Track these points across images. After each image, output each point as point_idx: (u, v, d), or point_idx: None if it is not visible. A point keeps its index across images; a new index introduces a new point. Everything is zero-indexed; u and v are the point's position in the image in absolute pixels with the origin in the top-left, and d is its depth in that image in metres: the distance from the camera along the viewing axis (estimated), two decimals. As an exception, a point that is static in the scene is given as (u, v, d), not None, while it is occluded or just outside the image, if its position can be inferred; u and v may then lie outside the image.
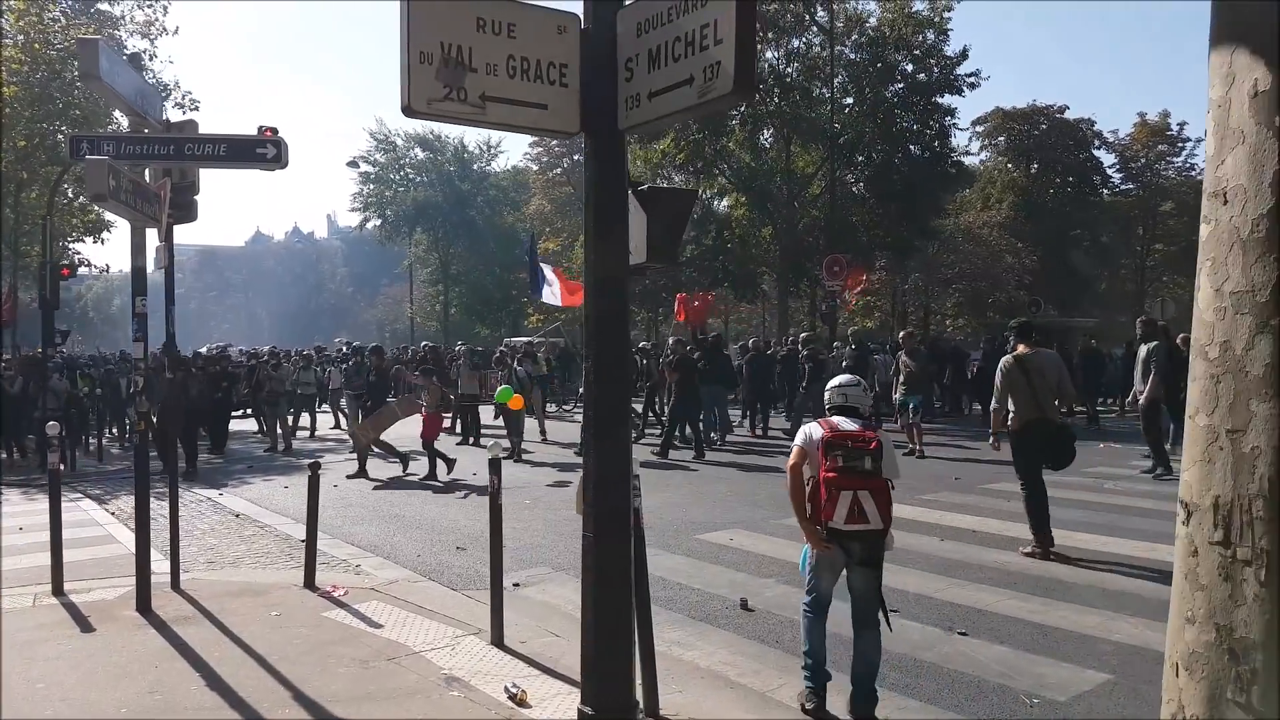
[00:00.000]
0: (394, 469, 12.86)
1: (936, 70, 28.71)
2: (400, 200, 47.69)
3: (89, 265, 27.43)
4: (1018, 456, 7.58)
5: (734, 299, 36.82)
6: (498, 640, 5.43)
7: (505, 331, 37.38)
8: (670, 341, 17.03)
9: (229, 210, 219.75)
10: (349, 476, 12.35)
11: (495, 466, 5.60)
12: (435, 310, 51.62)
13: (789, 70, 29.66)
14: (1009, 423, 7.57)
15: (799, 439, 4.43)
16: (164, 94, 24.53)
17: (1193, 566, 2.05)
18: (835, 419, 4.43)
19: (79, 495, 11.28)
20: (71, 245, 25.73)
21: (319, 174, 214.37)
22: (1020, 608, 6.03)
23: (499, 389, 14.47)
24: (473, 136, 58.57)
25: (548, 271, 19.70)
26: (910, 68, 29.05)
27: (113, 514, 10.03)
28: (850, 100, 29.74)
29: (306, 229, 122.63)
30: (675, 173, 31.83)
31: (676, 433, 14.60)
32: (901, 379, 13.81)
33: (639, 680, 4.16)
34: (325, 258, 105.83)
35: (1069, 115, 41.44)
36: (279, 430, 16.63)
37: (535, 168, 48.72)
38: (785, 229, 29.59)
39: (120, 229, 28.06)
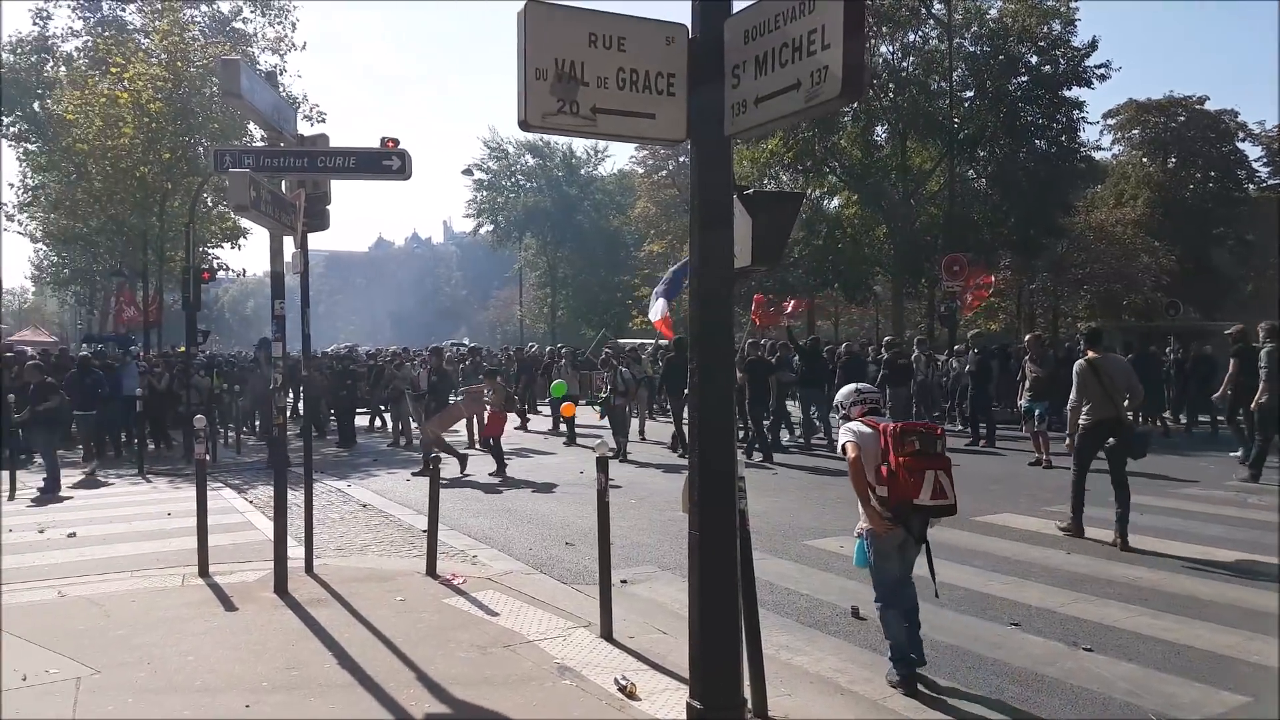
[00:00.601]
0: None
1: (1063, 62, 27.53)
2: (511, 206, 48.94)
3: (226, 269, 29.28)
4: (1080, 444, 8.32)
5: (844, 301, 36.23)
6: (606, 634, 5.57)
7: (609, 333, 37.80)
8: (746, 344, 17.02)
9: (354, 217, 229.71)
10: (413, 474, 12.87)
11: (603, 465, 5.75)
12: (543, 312, 52.70)
13: (904, 64, 29.04)
14: (1083, 420, 8.25)
15: (849, 436, 4.90)
16: (294, 107, 25.96)
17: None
18: (870, 417, 5.03)
19: (220, 484, 12.07)
20: (211, 251, 27.45)
21: (437, 181, 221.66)
22: (1151, 625, 5.78)
23: (554, 383, 14.77)
24: (580, 142, 59.50)
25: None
26: (1035, 59, 27.94)
27: (250, 502, 10.70)
28: (970, 94, 28.85)
29: (425, 234, 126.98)
30: (783, 172, 31.57)
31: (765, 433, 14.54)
32: (1027, 385, 13.36)
33: (747, 679, 4.24)
34: (441, 262, 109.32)
35: (1209, 106, 38.79)
36: (400, 426, 17.38)
37: (640, 171, 49.18)
38: (900, 228, 28.91)
39: (255, 236, 29.78)
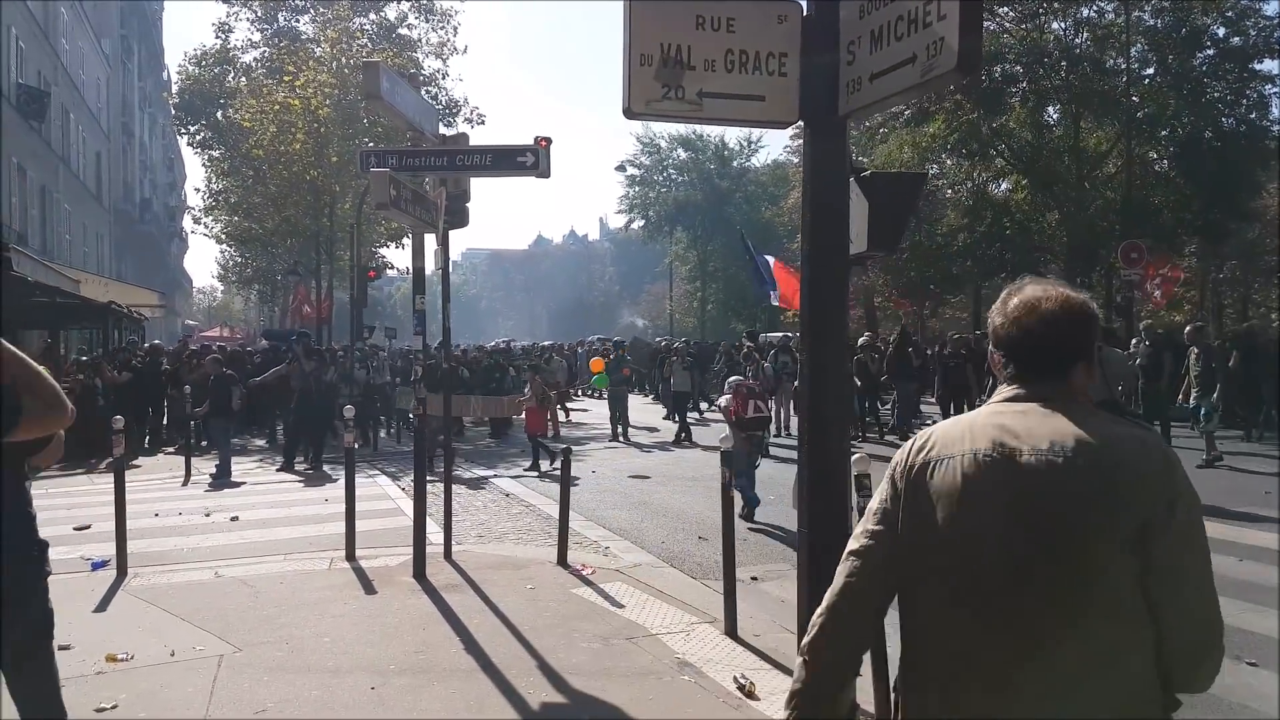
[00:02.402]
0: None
1: (1253, 33, 24.98)
2: (662, 200, 49.19)
3: (393, 268, 30.86)
4: None
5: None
6: (730, 630, 5.48)
7: (761, 327, 37.34)
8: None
9: (516, 216, 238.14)
10: (549, 466, 12.98)
11: (727, 459, 5.66)
12: (693, 307, 52.75)
13: (1078, 41, 27.20)
14: None
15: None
16: (455, 110, 27.05)
17: None
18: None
19: (377, 472, 12.74)
20: (377, 250, 28.99)
21: (595, 179, 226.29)
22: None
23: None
24: (734, 134, 59.17)
25: (772, 265, 18.85)
26: (1222, 31, 25.52)
27: (403, 489, 11.20)
28: (1150, 70, 26.69)
29: (581, 232, 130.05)
30: (947, 156, 30.24)
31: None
32: (1193, 379, 12.24)
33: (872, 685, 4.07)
34: (596, 258, 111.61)
35: None
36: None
37: (795, 161, 48.28)
38: (1073, 213, 27.06)
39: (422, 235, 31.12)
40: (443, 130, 7.46)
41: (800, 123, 3.43)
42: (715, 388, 18.30)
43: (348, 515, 7.43)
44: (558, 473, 11.66)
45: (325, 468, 13.10)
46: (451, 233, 7.09)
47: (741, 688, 4.63)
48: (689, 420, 16.69)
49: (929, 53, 2.84)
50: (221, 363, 13.51)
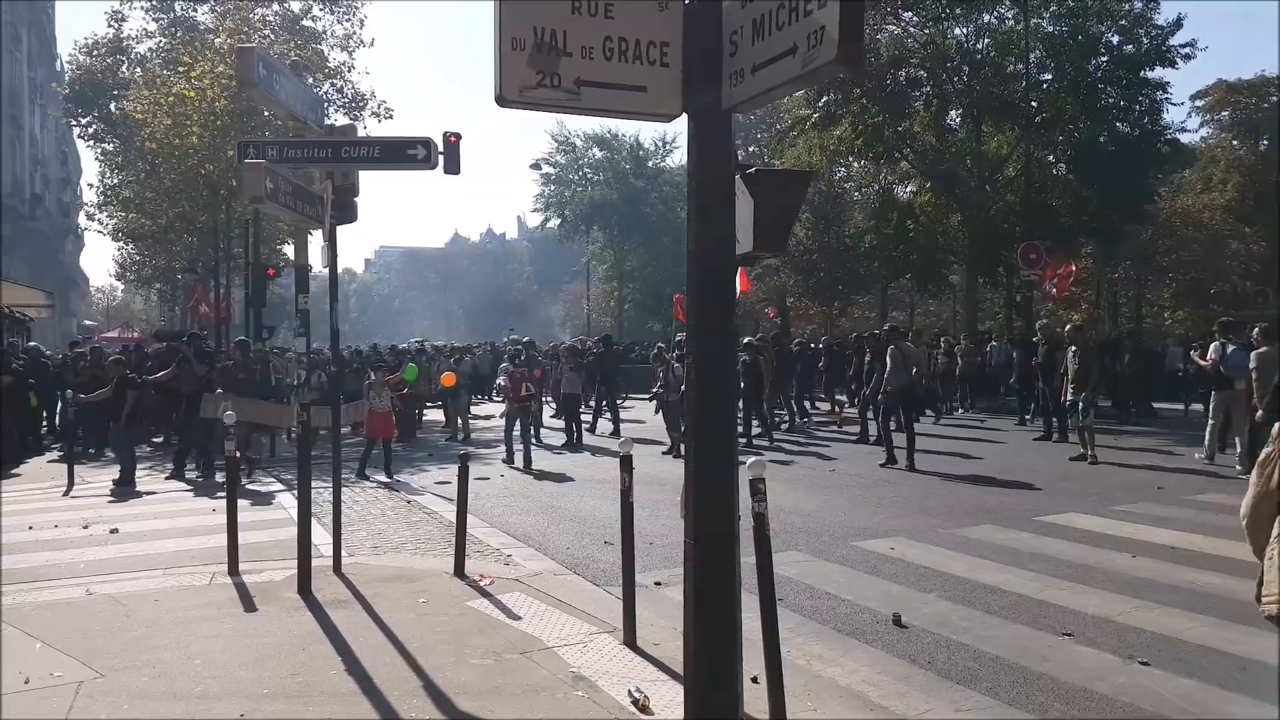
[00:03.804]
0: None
1: (1146, 41, 26.12)
2: (578, 200, 48.96)
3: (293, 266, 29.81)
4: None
5: (918, 292, 35.23)
6: (630, 640, 5.33)
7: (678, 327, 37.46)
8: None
9: (432, 214, 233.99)
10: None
11: (626, 464, 5.50)
12: (611, 306, 52.65)
13: (979, 46, 27.99)
14: None
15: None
16: (361, 104, 26.29)
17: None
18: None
19: (272, 480, 12.20)
20: (280, 247, 28.00)
21: (513, 177, 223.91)
22: (1216, 636, 5.30)
23: (406, 366, 14.53)
24: (648, 134, 59.31)
25: None
26: (1116, 39, 26.61)
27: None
28: (1048, 76, 27.64)
29: (499, 230, 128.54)
30: (854, 159, 30.79)
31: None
32: (1070, 378, 12.73)
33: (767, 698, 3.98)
34: (513, 257, 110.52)
35: (1304, 86, 36.60)
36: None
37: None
38: (975, 215, 27.86)
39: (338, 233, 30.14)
40: (352, 125, 7.12)
41: (684, 115, 3.29)
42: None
43: (229, 527, 7.04)
44: (389, 480, 11.66)
45: (219, 476, 12.45)
46: (362, 231, 6.78)
47: (635, 701, 4.48)
48: (583, 423, 16.50)
49: (810, 43, 2.72)
50: (124, 365, 12.86)
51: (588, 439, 16.38)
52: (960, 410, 20.23)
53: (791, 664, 4.79)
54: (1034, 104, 26.58)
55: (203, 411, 11.47)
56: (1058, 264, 23.13)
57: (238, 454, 7.50)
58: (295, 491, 11.05)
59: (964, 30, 27.99)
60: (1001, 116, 27.59)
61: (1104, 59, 26.59)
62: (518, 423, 13.82)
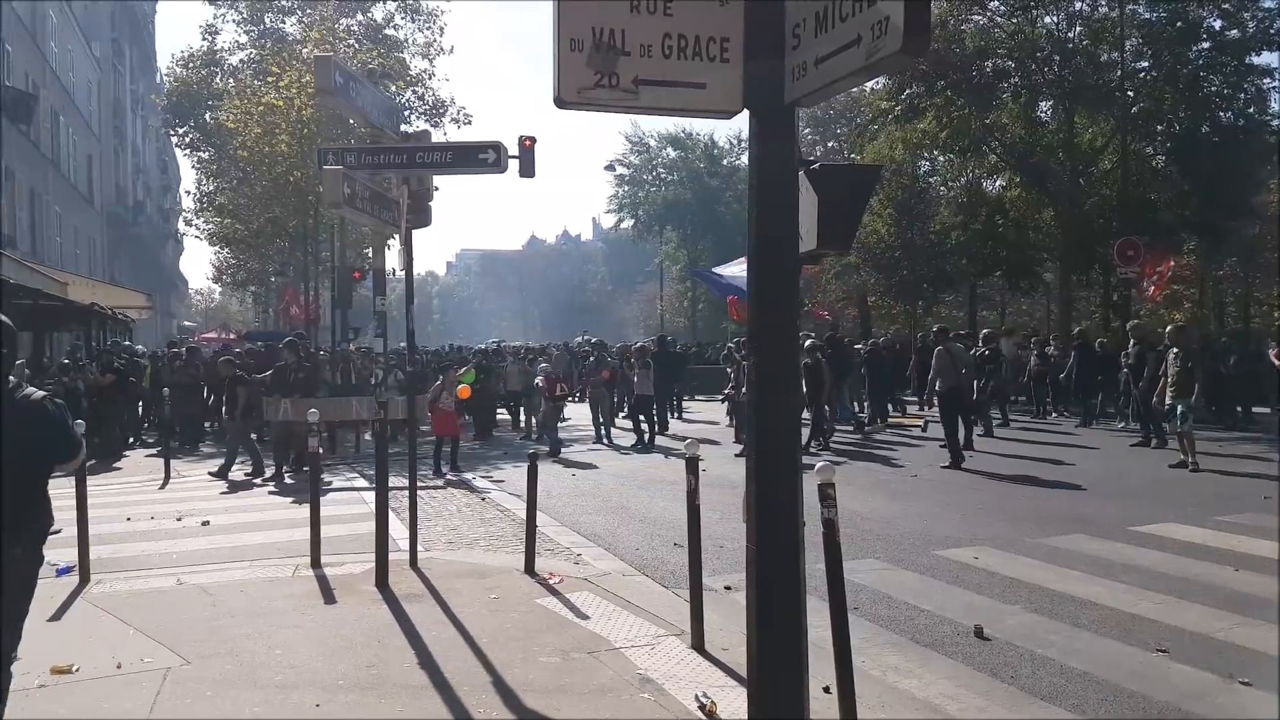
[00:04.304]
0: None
1: (1252, 25, 24.75)
2: (652, 200, 49.02)
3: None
4: None
5: (1009, 290, 34.15)
6: (698, 644, 5.28)
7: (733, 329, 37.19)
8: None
9: (510, 217, 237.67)
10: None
11: (692, 466, 5.46)
12: (684, 306, 52.57)
13: (1070, 35, 26.99)
14: None
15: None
16: (441, 110, 26.79)
17: None
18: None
19: (356, 475, 12.53)
20: (365, 251, 28.77)
21: (589, 179, 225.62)
22: (1327, 657, 4.96)
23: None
24: (723, 132, 59.06)
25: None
26: (1218, 24, 25.28)
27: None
28: (1145, 64, 26.47)
29: (575, 232, 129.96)
30: (939, 153, 30.02)
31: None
32: (1171, 380, 12.08)
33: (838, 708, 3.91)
34: (588, 258, 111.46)
35: None
36: (531, 420, 17.65)
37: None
38: (1069, 210, 26.85)
39: (417, 237, 30.92)
40: (426, 131, 7.28)
41: (745, 111, 3.23)
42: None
43: (312, 521, 7.24)
44: (459, 479, 11.89)
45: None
46: (443, 234, 6.94)
47: (702, 707, 4.43)
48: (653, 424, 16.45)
49: (874, 33, 2.64)
50: (235, 365, 13.45)
51: (660, 440, 16.36)
52: (1054, 414, 19.50)
53: (865, 674, 4.70)
54: (1130, 94, 25.53)
55: (265, 415, 11.86)
56: (1157, 261, 22.17)
57: (319, 450, 7.70)
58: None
59: (1054, 19, 27.03)
60: (1095, 107, 26.54)
61: (1206, 45, 25.30)
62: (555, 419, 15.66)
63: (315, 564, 7.13)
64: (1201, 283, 33.30)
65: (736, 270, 17.26)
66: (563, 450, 14.84)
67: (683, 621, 5.60)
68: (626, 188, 50.49)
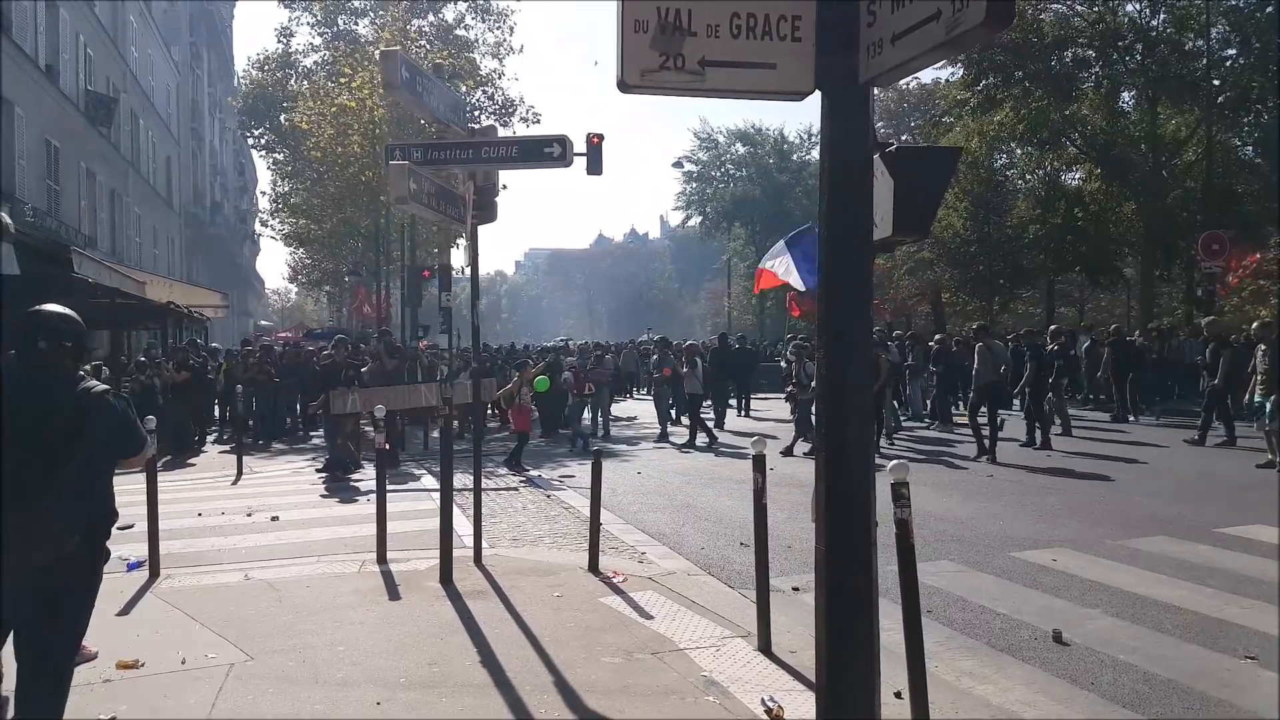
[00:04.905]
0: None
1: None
2: (720, 196, 48.69)
3: (451, 268, 31.04)
4: None
5: (1089, 285, 33.02)
6: (764, 646, 5.15)
7: (789, 325, 36.68)
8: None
9: (578, 216, 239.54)
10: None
11: (759, 464, 5.32)
12: (752, 304, 52.12)
13: (1154, 22, 25.98)
14: None
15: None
16: (511, 110, 27.02)
17: None
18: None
19: (424, 472, 12.65)
20: (435, 250, 29.23)
21: (657, 177, 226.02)
22: None
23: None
24: (793, 126, 58.43)
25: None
26: (1311, 9, 24.10)
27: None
28: (1232, 52, 25.34)
29: (642, 230, 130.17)
30: (1016, 145, 29.19)
31: None
32: (1261, 378, 11.51)
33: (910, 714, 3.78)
34: (655, 256, 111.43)
35: None
36: (601, 417, 17.61)
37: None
38: (1150, 203, 25.83)
39: (481, 234, 31.36)
40: (492, 126, 7.28)
41: (817, 93, 3.09)
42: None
43: (378, 517, 7.29)
44: (533, 474, 11.93)
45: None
46: (512, 233, 6.93)
47: (769, 711, 4.30)
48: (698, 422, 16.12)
49: (955, 6, 2.48)
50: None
51: (721, 437, 16.18)
52: (1132, 417, 18.71)
53: (939, 679, 4.53)
54: (1216, 82, 24.46)
55: (333, 408, 12.01)
56: (1243, 255, 21.19)
57: (385, 446, 7.76)
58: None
59: (1136, 6, 26.08)
60: (1180, 97, 25.52)
61: (1296, 31, 24.12)
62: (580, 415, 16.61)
63: (381, 560, 7.17)
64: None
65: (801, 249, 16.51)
66: (614, 447, 15.06)
67: (749, 623, 5.48)
68: (694, 184, 50.24)
